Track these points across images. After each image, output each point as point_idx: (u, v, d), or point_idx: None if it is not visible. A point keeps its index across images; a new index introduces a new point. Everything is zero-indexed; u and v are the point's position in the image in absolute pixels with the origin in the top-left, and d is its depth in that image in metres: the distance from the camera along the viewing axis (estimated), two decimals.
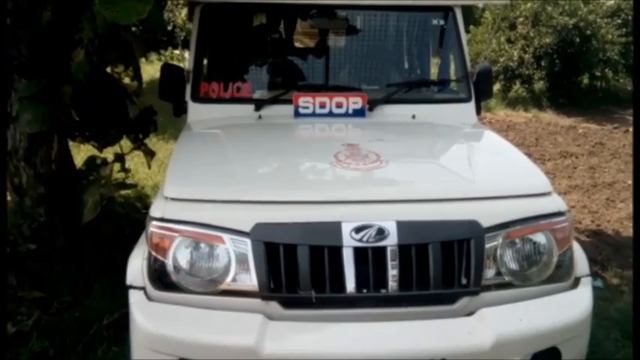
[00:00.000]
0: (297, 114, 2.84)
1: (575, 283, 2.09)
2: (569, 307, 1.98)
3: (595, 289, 3.67)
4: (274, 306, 1.85)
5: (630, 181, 6.28)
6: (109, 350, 2.69)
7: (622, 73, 11.34)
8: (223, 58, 3.19)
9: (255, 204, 1.96)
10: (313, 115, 2.83)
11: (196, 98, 2.94)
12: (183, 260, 1.90)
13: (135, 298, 1.93)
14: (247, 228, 1.86)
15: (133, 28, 3.00)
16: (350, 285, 1.84)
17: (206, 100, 2.94)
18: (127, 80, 3.57)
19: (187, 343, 1.80)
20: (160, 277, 1.92)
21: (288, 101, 2.86)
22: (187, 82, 2.93)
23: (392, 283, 1.85)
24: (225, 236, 1.87)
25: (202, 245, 1.90)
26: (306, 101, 2.83)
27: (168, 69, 3.03)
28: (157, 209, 1.98)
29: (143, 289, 1.95)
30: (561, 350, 1.92)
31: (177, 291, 1.90)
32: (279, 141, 2.65)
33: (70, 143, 3.76)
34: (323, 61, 3.13)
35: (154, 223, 1.94)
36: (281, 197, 2.00)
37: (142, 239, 2.12)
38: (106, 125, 3.32)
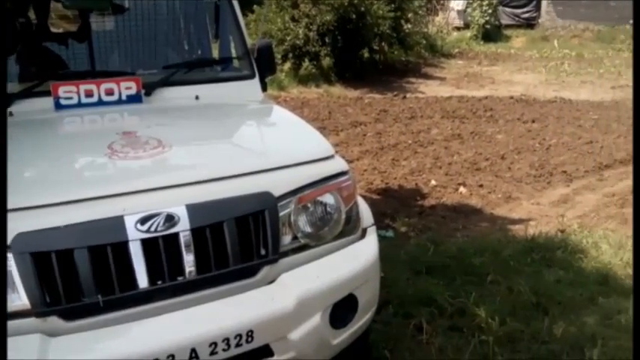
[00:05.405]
0: (58, 106, 2.51)
1: (363, 234, 2.26)
2: (359, 256, 2.14)
3: (387, 238, 4.13)
4: (55, 321, 1.64)
5: (411, 141, 7.16)
6: None
7: (395, 46, 12.74)
8: None
9: (14, 212, 1.68)
10: (79, 105, 2.53)
11: None
12: None
13: None
14: (7, 240, 1.60)
15: None
16: (142, 280, 1.72)
17: None
18: None
19: None
20: None
21: (46, 93, 2.51)
22: None
23: (189, 269, 1.78)
24: None
25: None
26: (67, 90, 2.51)
27: None
28: None
29: None
30: (357, 295, 2.09)
31: None
32: (38, 139, 2.30)
33: None
34: (86, 46, 2.81)
35: None
36: (48, 200, 1.75)
37: None
38: None
